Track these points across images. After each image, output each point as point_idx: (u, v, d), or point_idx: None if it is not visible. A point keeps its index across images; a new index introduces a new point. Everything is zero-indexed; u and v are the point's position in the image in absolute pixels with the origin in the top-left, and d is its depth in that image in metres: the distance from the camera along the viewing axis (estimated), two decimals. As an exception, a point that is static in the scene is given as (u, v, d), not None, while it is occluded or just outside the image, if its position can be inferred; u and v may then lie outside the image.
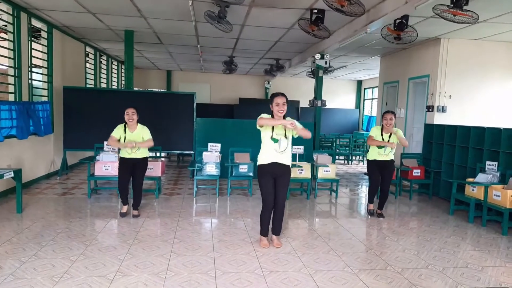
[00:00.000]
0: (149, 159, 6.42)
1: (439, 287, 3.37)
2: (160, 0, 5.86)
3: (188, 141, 8.19)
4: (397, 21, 5.69)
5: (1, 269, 3.38)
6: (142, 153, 5.13)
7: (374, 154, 5.47)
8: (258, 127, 4.06)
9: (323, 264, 3.77)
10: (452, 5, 4.69)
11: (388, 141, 5.38)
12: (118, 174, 5.20)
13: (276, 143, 4.02)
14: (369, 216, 5.65)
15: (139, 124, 5.14)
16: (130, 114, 5.02)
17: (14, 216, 5.00)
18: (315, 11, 5.76)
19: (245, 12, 6.30)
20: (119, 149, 5.20)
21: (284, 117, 4.03)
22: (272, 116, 4.05)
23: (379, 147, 5.39)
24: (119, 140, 5.05)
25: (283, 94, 4.04)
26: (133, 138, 5.04)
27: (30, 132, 6.64)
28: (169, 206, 5.83)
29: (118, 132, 5.06)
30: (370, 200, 5.71)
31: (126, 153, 5.06)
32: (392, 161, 5.51)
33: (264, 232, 4.24)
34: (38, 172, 7.27)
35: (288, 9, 6.08)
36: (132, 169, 5.14)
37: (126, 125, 5.08)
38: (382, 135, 5.44)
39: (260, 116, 4.02)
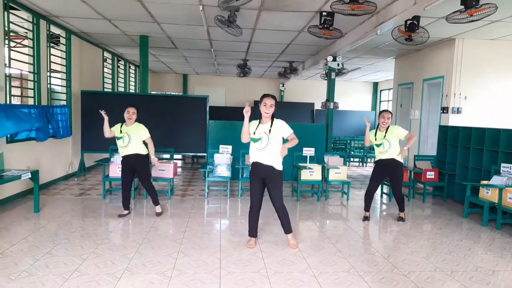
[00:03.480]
0: (162, 161, 6.60)
1: (446, 290, 3.33)
2: (172, 5, 5.99)
3: (201, 143, 8.30)
4: (408, 22, 5.64)
5: (16, 265, 3.53)
6: (132, 148, 5.17)
7: (377, 154, 5.37)
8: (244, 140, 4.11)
9: (329, 266, 3.78)
10: (462, 6, 4.64)
11: (384, 137, 5.23)
12: (121, 176, 5.30)
13: (257, 142, 4.06)
14: (365, 221, 5.47)
15: (135, 123, 5.28)
16: (131, 113, 5.19)
17: (32, 215, 5.20)
18: (324, 13, 5.76)
19: (254, 16, 6.37)
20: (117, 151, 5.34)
21: (272, 117, 4.09)
22: (261, 117, 4.11)
23: (377, 145, 5.29)
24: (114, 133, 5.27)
25: (273, 96, 4.10)
26: (126, 131, 5.17)
27: (49, 134, 6.88)
28: (181, 207, 5.94)
29: (115, 128, 5.27)
30: (366, 208, 5.56)
31: (121, 150, 5.20)
32: (394, 160, 5.24)
33: (251, 233, 4.31)
34: (56, 174, 7.52)
35: (298, 12, 6.12)
36: (132, 169, 5.26)
37: (124, 123, 5.25)
38: (376, 134, 5.32)
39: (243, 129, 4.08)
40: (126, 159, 5.21)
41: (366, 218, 5.51)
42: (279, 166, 4.13)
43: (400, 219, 5.50)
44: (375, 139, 5.33)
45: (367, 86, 16.72)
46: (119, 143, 5.20)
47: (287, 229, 4.31)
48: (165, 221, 5.20)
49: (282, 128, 4.10)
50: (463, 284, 3.44)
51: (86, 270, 3.49)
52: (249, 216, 4.28)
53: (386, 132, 5.25)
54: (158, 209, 5.41)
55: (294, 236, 4.40)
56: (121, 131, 5.19)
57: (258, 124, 4.11)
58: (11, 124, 5.48)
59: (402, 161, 5.35)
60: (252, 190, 4.16)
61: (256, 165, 4.11)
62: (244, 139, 4.07)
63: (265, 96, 4.09)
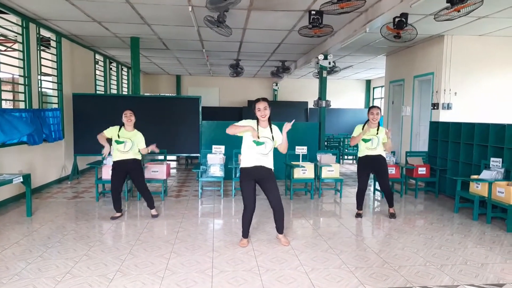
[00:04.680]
0: (154, 162, 6.62)
1: (435, 284, 3.36)
2: (161, 7, 6.00)
3: (195, 144, 8.32)
4: (396, 19, 5.69)
5: (7, 269, 3.53)
6: (131, 154, 5.19)
7: (363, 149, 5.33)
8: (229, 132, 4.11)
9: (320, 262, 3.81)
10: (449, 4, 4.70)
11: (377, 134, 5.25)
12: (111, 180, 5.25)
13: (261, 145, 4.07)
14: (358, 218, 5.50)
15: (135, 129, 5.30)
16: (128, 116, 5.19)
17: (24, 219, 5.19)
18: (313, 12, 5.80)
19: (244, 16, 6.39)
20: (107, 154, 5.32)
21: (269, 120, 4.16)
22: (258, 121, 4.14)
23: (365, 140, 5.26)
24: (110, 139, 5.20)
25: (264, 99, 4.14)
26: (129, 136, 5.17)
27: (42, 138, 6.83)
28: (174, 208, 5.95)
29: (110, 132, 5.19)
30: (358, 207, 5.59)
31: (118, 154, 5.14)
32: (382, 157, 5.33)
33: (244, 234, 4.33)
34: (49, 177, 7.50)
35: (287, 11, 6.15)
36: (125, 174, 5.28)
37: (123, 126, 5.21)
38: (363, 128, 5.31)
39: (236, 124, 4.12)
40: (121, 164, 5.18)
41: (359, 215, 5.55)
42: (272, 167, 4.23)
43: (392, 215, 5.51)
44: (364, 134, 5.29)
45: (360, 84, 16.81)
46: (119, 147, 5.12)
47: (281, 229, 4.36)
48: (159, 222, 5.21)
49: (278, 134, 4.22)
50: (452, 277, 3.49)
51: (78, 272, 3.50)
52: (243, 218, 4.29)
53: (378, 130, 5.30)
54: (153, 212, 5.42)
55: (285, 235, 4.44)
56: (119, 136, 5.13)
57: (258, 127, 4.11)
58: (3, 134, 5.46)
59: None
60: (246, 192, 4.16)
61: (257, 168, 4.11)
62: (232, 132, 4.09)
63: (256, 101, 4.13)
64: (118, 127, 5.22)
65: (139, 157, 5.33)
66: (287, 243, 4.30)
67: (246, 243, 4.28)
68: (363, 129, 5.34)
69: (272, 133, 4.16)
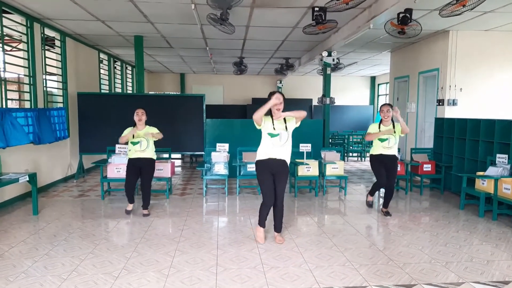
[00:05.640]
0: (159, 160, 6.64)
1: (440, 281, 3.35)
2: (164, 5, 6.00)
3: (199, 142, 8.33)
4: (401, 15, 5.65)
5: (14, 267, 3.57)
6: (149, 153, 5.31)
7: (378, 148, 5.30)
8: (256, 125, 4.14)
9: (324, 260, 3.81)
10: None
11: (394, 132, 5.23)
12: (126, 175, 5.39)
13: (276, 137, 4.08)
14: (368, 208, 5.66)
15: (146, 125, 5.38)
16: (140, 115, 5.26)
17: (31, 218, 5.24)
18: (316, 9, 5.77)
19: (247, 13, 6.38)
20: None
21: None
22: (271, 114, 4.15)
23: (382, 140, 5.24)
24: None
25: (280, 93, 4.15)
26: (142, 135, 5.25)
27: (50, 138, 6.85)
28: (179, 206, 5.97)
29: (127, 131, 5.29)
30: (372, 193, 5.77)
31: (135, 153, 5.24)
32: (395, 157, 5.36)
33: (262, 223, 4.32)
34: (55, 176, 7.55)
35: (290, 8, 6.13)
36: (139, 170, 5.34)
37: (135, 126, 5.29)
38: (379, 127, 5.30)
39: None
40: (136, 161, 5.27)
41: (370, 204, 5.75)
42: (287, 159, 4.24)
43: (387, 213, 5.46)
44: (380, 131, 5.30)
45: (365, 81, 16.72)
46: (135, 148, 5.23)
47: (279, 228, 4.37)
48: (163, 220, 5.23)
49: (289, 118, 4.21)
50: (457, 275, 3.47)
51: (84, 270, 3.52)
52: (261, 210, 4.27)
53: (394, 127, 5.26)
54: (146, 211, 5.44)
55: (281, 234, 4.46)
56: (133, 136, 5.21)
57: (272, 120, 4.14)
58: (5, 139, 5.50)
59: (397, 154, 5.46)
60: (265, 185, 4.14)
61: (272, 160, 4.12)
62: (257, 117, 4.01)
63: (272, 93, 4.14)
64: (131, 127, 5.31)
65: (154, 156, 5.43)
66: (281, 240, 4.30)
67: (263, 236, 4.28)
68: (379, 128, 5.29)
69: (285, 123, 4.18)
